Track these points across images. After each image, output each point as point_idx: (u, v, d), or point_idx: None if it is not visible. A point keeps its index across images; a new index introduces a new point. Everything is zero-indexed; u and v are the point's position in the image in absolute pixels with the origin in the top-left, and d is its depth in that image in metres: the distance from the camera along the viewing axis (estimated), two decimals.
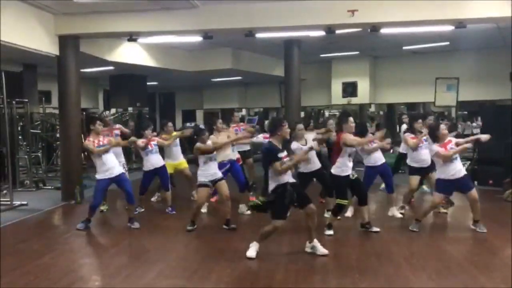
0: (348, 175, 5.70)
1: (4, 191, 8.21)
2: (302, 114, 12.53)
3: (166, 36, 9.06)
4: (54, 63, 8.61)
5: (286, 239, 5.75)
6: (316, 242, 5.08)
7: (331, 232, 5.84)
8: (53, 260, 5.08)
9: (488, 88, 12.68)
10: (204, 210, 7.16)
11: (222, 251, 5.27)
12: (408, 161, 6.90)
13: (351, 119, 5.69)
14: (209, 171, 6.06)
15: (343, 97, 14.30)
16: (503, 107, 11.24)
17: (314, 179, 6.60)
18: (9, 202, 7.87)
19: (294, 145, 6.25)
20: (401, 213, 6.89)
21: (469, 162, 10.72)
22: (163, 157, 7.56)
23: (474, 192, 5.79)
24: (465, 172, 5.88)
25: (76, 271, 4.74)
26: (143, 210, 7.34)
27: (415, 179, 6.75)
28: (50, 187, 9.83)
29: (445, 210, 6.90)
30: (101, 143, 6.29)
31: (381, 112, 17.79)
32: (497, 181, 9.07)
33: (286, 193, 4.84)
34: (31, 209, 7.78)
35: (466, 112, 18.03)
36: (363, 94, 14.19)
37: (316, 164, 6.41)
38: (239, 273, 4.62)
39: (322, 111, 17.64)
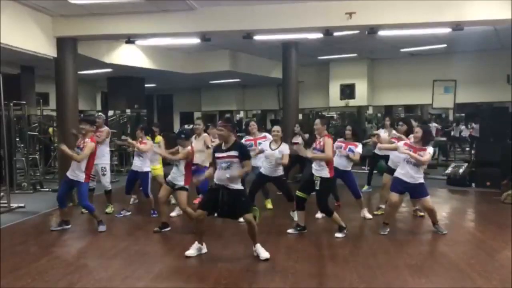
0: (311, 174, 5.75)
1: (2, 194, 8.18)
2: (300, 116, 12.56)
3: (164, 38, 9.08)
4: (52, 65, 8.62)
5: (284, 240, 5.75)
6: (257, 247, 5.03)
7: (292, 230, 5.97)
8: (50, 262, 5.06)
9: (485, 90, 12.73)
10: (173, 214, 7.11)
11: (220, 253, 5.27)
12: (376, 149, 7.51)
13: (316, 121, 5.92)
14: (173, 173, 6.07)
15: (341, 99, 14.34)
16: (500, 109, 11.28)
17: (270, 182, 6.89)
18: (6, 205, 7.85)
19: (265, 146, 6.63)
20: (375, 213, 7.01)
21: (466, 164, 10.76)
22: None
23: (427, 200, 5.86)
24: (420, 181, 5.78)
25: (74, 273, 4.72)
26: (129, 213, 7.32)
27: (386, 177, 6.93)
28: (47, 189, 9.79)
29: (422, 213, 6.90)
30: (81, 145, 6.21)
31: (379, 114, 17.82)
32: (495, 183, 9.10)
33: (217, 194, 4.89)
34: (29, 212, 7.76)
35: (463, 114, 18.09)
36: (361, 96, 14.22)
37: (277, 172, 6.64)
38: (237, 275, 4.62)
39: (320, 113, 17.67)
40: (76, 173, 6.14)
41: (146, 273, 4.63)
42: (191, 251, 5.12)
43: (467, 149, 15.40)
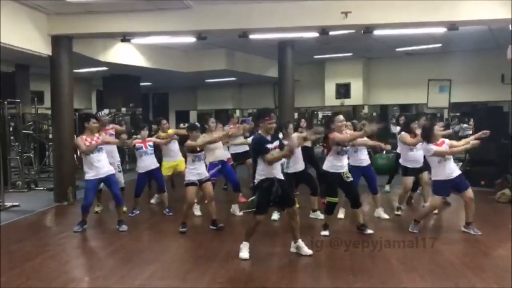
0: (339, 173, 5.68)
1: None
2: (296, 115, 12.57)
3: (160, 36, 9.05)
4: (47, 63, 8.57)
5: (280, 239, 5.76)
6: (300, 242, 5.08)
7: (326, 232, 5.85)
8: (45, 261, 5.05)
9: (480, 89, 12.79)
10: (197, 213, 7.12)
11: (216, 252, 5.27)
12: (401, 161, 6.97)
13: (339, 117, 5.75)
14: (197, 170, 6.05)
15: (337, 98, 14.35)
16: (495, 108, 11.34)
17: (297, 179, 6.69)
18: (0, 203, 7.81)
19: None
20: (397, 214, 6.97)
21: (461, 163, 10.80)
22: (162, 156, 7.60)
23: (470, 192, 5.81)
24: (460, 172, 5.90)
25: (69, 272, 4.71)
26: (138, 212, 7.29)
27: (409, 180, 6.82)
28: (42, 188, 9.76)
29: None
30: (93, 142, 6.17)
31: (374, 114, 17.87)
32: (490, 182, 9.13)
33: (272, 188, 4.83)
34: (23, 210, 7.73)
35: (458, 114, 18.15)
36: (357, 95, 14.25)
37: (300, 165, 6.57)
38: (233, 273, 4.62)
39: (315, 112, 17.69)
40: (107, 165, 6.27)
41: (142, 272, 4.63)
42: (246, 254, 4.99)
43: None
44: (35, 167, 11.16)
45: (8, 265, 4.84)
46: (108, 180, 6.27)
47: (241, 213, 7.06)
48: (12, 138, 10.47)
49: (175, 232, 6.13)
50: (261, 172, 4.90)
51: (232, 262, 4.91)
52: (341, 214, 6.69)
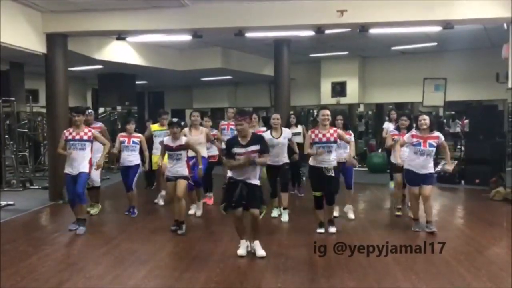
0: (319, 168, 5.69)
1: None
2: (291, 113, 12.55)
3: (155, 34, 9.02)
4: (42, 61, 8.53)
5: (275, 238, 5.76)
6: (256, 243, 5.06)
7: (322, 230, 5.88)
8: (40, 260, 5.03)
9: (475, 88, 12.82)
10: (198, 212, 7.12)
11: (211, 251, 5.27)
12: (391, 158, 7.01)
13: (322, 111, 5.80)
14: (173, 168, 6.05)
15: (332, 97, 14.34)
16: (489, 107, 11.38)
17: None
18: None
19: (267, 135, 6.43)
20: (397, 215, 6.96)
21: (456, 161, 10.85)
22: (152, 148, 7.62)
23: (426, 188, 5.85)
24: (431, 171, 5.89)
25: (64, 271, 4.69)
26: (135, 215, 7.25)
27: (398, 176, 6.87)
28: (37, 187, 9.71)
29: (399, 213, 6.96)
30: (77, 136, 6.07)
31: (370, 112, 17.90)
32: (484, 180, 9.19)
33: (235, 189, 4.84)
34: (18, 209, 7.69)
35: (453, 112, 18.22)
36: (352, 94, 14.25)
37: (282, 160, 6.60)
38: (229, 273, 4.62)
39: (311, 110, 17.70)
40: (83, 165, 6.11)
41: (137, 271, 4.62)
42: (241, 251, 5.05)
43: (458, 147, 15.53)
44: (30, 165, 11.12)
45: (3, 264, 4.81)
46: (76, 180, 6.12)
47: (200, 213, 7.08)
48: (6, 136, 10.42)
49: (169, 231, 6.11)
50: (230, 172, 4.99)
51: (228, 261, 4.91)
52: (336, 213, 6.69)
